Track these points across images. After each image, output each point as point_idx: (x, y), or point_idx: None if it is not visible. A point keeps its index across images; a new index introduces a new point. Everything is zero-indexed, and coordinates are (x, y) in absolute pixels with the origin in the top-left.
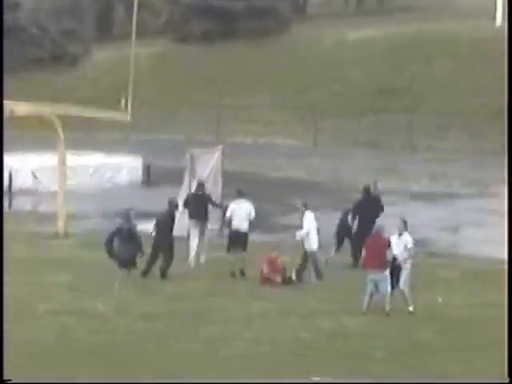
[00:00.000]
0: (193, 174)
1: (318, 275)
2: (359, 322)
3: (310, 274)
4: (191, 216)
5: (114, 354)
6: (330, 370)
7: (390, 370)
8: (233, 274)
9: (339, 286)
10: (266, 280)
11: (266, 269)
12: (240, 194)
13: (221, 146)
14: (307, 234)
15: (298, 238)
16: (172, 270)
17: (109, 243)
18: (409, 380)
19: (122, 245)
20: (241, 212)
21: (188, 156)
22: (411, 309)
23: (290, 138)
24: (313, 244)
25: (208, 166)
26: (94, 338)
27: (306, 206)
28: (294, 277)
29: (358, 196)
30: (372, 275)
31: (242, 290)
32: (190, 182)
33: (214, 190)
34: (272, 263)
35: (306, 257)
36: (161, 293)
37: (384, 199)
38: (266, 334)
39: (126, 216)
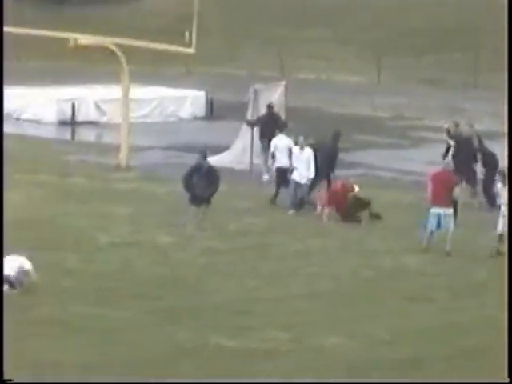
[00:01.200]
0: (256, 108)
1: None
2: (420, 260)
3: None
4: (263, 135)
5: (173, 286)
6: (387, 309)
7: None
8: (273, 201)
9: (400, 225)
10: (330, 211)
11: (328, 200)
12: (281, 129)
13: (284, 82)
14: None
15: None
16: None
17: (188, 178)
18: (409, 380)
19: (201, 181)
20: (282, 147)
21: (251, 90)
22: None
23: (353, 74)
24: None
25: (271, 101)
26: (154, 270)
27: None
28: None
29: (422, 134)
30: (437, 209)
31: (302, 225)
32: (253, 116)
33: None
34: (336, 194)
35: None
36: (223, 228)
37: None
38: (326, 271)
39: (203, 153)
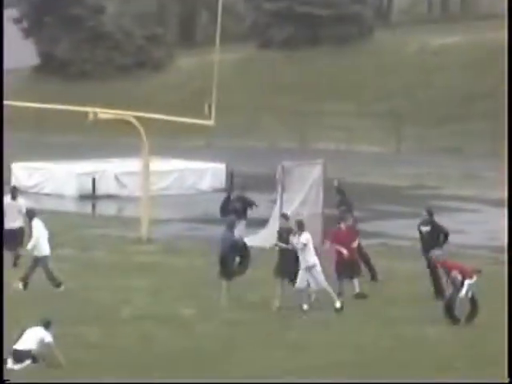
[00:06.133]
0: (283, 187)
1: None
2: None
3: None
4: None
5: (197, 358)
6: None
7: None
8: None
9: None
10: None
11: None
12: None
13: (321, 161)
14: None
15: (28, 247)
16: None
17: (228, 254)
18: (408, 380)
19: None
20: None
21: (279, 168)
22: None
23: (373, 144)
24: (43, 250)
25: (307, 182)
26: (176, 343)
27: (33, 214)
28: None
29: (443, 203)
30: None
31: None
32: (282, 195)
33: (315, 207)
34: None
35: (35, 263)
36: (244, 299)
37: (466, 206)
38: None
39: (231, 224)
